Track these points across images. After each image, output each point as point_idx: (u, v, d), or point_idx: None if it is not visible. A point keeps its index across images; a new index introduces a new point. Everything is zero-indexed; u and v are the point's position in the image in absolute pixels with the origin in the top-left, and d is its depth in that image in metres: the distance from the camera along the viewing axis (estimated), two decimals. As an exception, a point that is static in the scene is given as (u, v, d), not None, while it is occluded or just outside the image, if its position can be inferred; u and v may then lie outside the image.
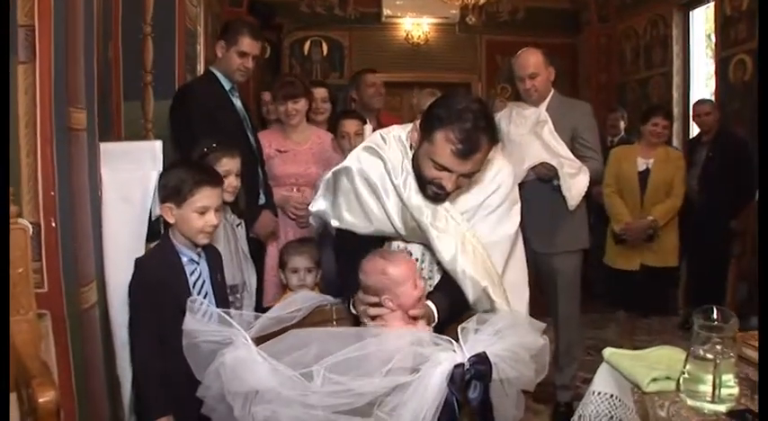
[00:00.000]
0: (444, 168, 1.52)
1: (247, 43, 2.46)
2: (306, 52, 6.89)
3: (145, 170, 1.79)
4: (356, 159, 1.69)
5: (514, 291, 1.74)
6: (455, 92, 1.72)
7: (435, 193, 1.57)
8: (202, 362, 1.31)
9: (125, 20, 2.75)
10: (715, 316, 1.18)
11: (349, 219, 1.67)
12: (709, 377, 1.18)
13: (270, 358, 1.16)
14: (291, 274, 2.23)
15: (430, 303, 1.54)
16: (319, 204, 1.79)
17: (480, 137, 1.48)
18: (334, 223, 1.72)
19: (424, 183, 1.59)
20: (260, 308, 2.54)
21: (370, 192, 1.64)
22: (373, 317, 1.50)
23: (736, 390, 1.19)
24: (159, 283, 1.72)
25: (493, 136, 1.53)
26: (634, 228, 3.26)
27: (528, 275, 2.33)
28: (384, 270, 1.49)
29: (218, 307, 1.83)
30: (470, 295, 1.56)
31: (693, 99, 5.05)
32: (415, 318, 1.47)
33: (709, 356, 1.17)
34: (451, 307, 1.55)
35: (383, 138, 1.71)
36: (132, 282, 1.73)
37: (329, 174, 1.77)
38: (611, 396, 1.43)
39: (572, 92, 6.66)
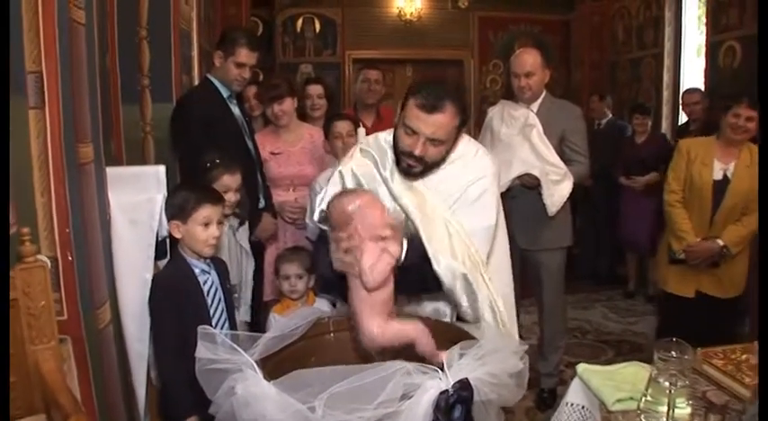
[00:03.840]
0: (413, 131, 1.65)
1: (245, 55, 2.52)
2: (298, 29, 6.86)
3: (150, 194, 1.90)
4: (350, 160, 1.85)
5: (498, 277, 1.85)
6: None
7: (409, 166, 1.71)
8: (214, 385, 1.45)
9: (120, 24, 2.78)
10: (673, 349, 1.32)
11: None
12: (665, 400, 1.32)
13: (277, 391, 1.29)
14: (284, 281, 2.36)
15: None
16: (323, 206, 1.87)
17: (445, 98, 1.62)
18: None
19: (399, 158, 1.74)
20: (259, 301, 2.70)
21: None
22: (348, 251, 1.55)
23: (687, 411, 1.34)
24: (178, 293, 1.89)
25: (459, 106, 1.65)
26: (697, 251, 2.65)
27: (514, 268, 2.48)
28: (344, 203, 1.59)
29: (227, 311, 2.05)
30: (445, 281, 1.65)
31: (684, 81, 5.12)
32: (384, 238, 1.53)
33: (666, 384, 1.31)
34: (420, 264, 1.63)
35: (371, 140, 1.88)
36: (152, 296, 1.88)
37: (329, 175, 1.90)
38: (583, 407, 1.59)
39: (564, 69, 6.71)
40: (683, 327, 2.60)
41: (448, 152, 1.75)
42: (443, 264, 1.65)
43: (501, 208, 1.88)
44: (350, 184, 1.82)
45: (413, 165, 1.71)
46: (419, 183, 1.77)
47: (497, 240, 1.86)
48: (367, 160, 1.84)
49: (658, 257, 2.96)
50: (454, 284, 1.68)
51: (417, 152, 1.67)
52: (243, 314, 2.46)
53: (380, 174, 1.79)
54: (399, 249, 1.57)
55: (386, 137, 1.86)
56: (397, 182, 1.76)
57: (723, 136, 2.67)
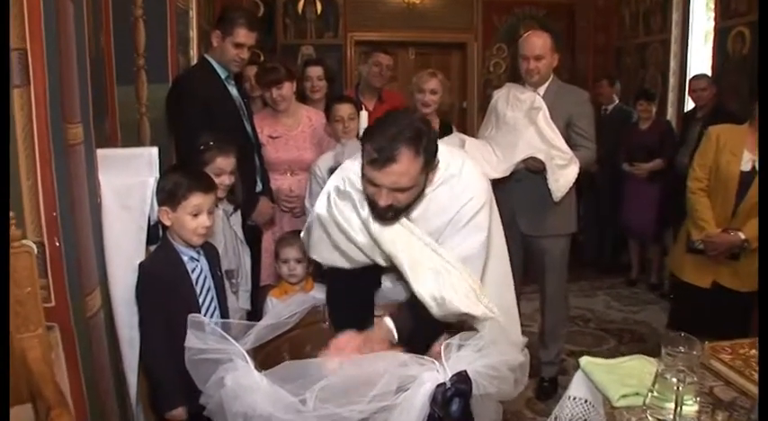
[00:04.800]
0: (374, 184, 1.53)
1: (243, 34, 2.44)
2: (300, 11, 6.73)
3: (142, 177, 1.84)
4: (326, 204, 1.71)
5: (499, 287, 1.78)
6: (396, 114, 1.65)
7: (379, 214, 1.57)
8: (204, 376, 1.41)
9: (115, 3, 2.70)
10: (681, 344, 1.27)
11: (329, 257, 1.75)
12: (673, 396, 1.28)
13: (268, 382, 1.25)
14: (282, 265, 2.32)
15: (388, 321, 1.57)
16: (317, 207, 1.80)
17: (398, 147, 1.46)
18: (316, 258, 1.80)
19: (369, 204, 1.60)
20: (256, 287, 2.66)
21: (339, 234, 1.68)
22: None
23: (695, 408, 1.29)
24: (165, 282, 1.84)
25: (418, 146, 1.49)
26: (717, 243, 2.55)
27: (516, 256, 2.42)
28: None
29: (218, 299, 1.99)
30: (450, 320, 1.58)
31: (691, 68, 5.02)
32: None
33: (673, 380, 1.26)
34: (420, 325, 1.57)
35: (347, 179, 1.71)
36: (139, 284, 1.83)
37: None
38: (585, 401, 1.55)
39: (568, 53, 6.59)
40: (695, 318, 2.57)
41: (423, 190, 1.61)
42: (435, 310, 1.54)
43: (496, 218, 1.78)
44: (331, 231, 1.71)
45: (383, 214, 1.58)
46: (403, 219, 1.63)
47: (493, 251, 1.75)
48: (345, 202, 1.69)
49: (675, 245, 2.84)
50: (440, 311, 1.57)
51: (382, 203, 1.55)
52: (243, 302, 2.42)
53: (359, 216, 1.66)
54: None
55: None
56: (377, 223, 1.63)
57: (754, 124, 2.49)
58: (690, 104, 4.55)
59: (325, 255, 1.76)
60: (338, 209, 1.67)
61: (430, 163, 1.55)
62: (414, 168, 1.50)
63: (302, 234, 1.87)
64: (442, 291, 1.51)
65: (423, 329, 1.57)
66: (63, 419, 1.08)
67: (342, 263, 1.73)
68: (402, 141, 1.47)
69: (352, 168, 1.69)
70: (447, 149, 1.68)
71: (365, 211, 1.62)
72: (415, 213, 1.65)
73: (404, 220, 1.62)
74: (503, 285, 1.84)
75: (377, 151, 1.47)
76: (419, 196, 1.61)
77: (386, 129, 1.50)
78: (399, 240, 1.58)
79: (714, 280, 2.60)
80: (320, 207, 1.72)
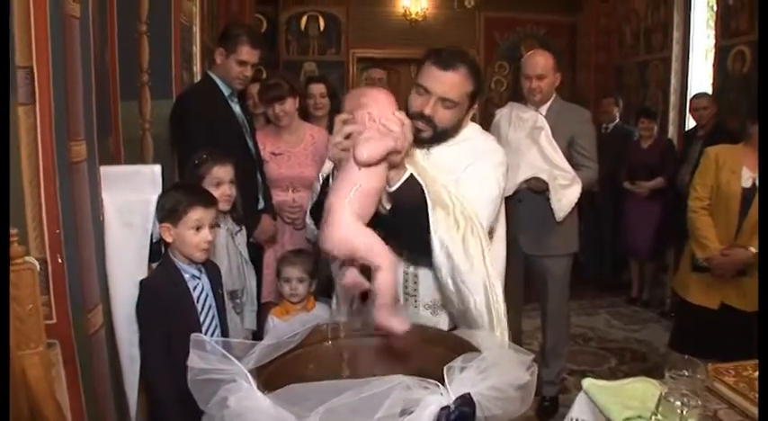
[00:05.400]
0: (426, 90, 1.62)
1: (246, 52, 2.47)
2: (302, 27, 6.81)
3: (145, 194, 1.85)
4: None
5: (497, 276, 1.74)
6: None
7: (418, 129, 1.61)
8: (206, 396, 1.39)
9: (120, 19, 2.73)
10: (685, 367, 1.26)
11: None
12: (677, 419, 1.27)
13: (271, 404, 1.24)
14: (284, 284, 2.31)
15: None
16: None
17: (459, 58, 1.63)
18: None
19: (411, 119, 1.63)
20: (258, 304, 2.65)
21: None
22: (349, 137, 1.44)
23: (701, 433, 1.28)
24: (166, 300, 1.83)
25: (473, 71, 1.65)
26: (727, 261, 2.52)
27: (516, 275, 2.41)
28: (360, 93, 1.55)
29: (219, 317, 1.99)
30: (435, 251, 1.56)
31: (692, 86, 5.06)
32: (392, 132, 1.44)
33: (677, 403, 1.25)
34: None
35: None
36: (139, 302, 1.82)
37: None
38: (588, 423, 1.53)
39: (570, 71, 6.65)
40: (699, 338, 2.57)
41: (457, 124, 1.70)
42: (437, 235, 1.54)
43: (504, 184, 1.78)
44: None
45: (422, 129, 1.64)
46: (419, 158, 1.68)
47: (499, 232, 1.80)
48: None
49: (680, 265, 2.86)
50: (443, 259, 1.56)
51: (427, 111, 1.62)
52: (249, 323, 2.40)
53: None
54: (404, 145, 1.47)
55: None
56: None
57: (750, 143, 2.56)
58: (691, 122, 4.58)
59: None
60: None
61: (475, 95, 1.70)
62: (465, 86, 1.64)
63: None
64: (449, 230, 1.55)
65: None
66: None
67: None
68: (464, 60, 1.65)
69: None
70: (475, 125, 1.83)
71: None
72: (431, 161, 1.69)
73: (421, 161, 1.67)
74: (498, 277, 1.81)
75: (443, 56, 1.63)
76: (451, 132, 1.69)
77: (454, 49, 1.68)
78: (416, 168, 1.59)
79: (722, 300, 2.57)
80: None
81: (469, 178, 1.68)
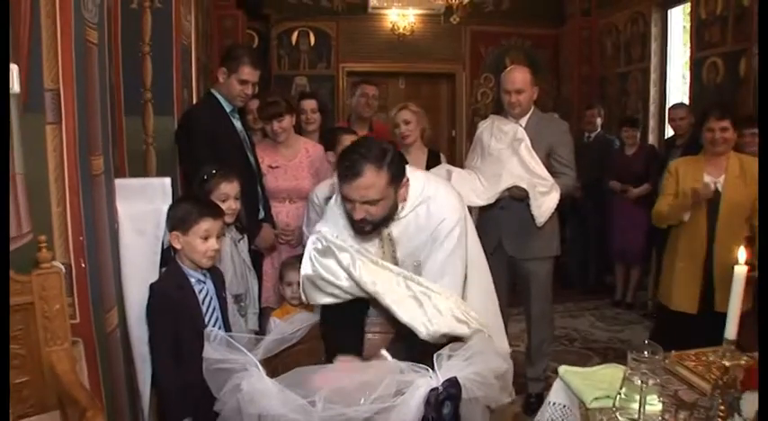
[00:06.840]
0: (348, 199, 1.73)
1: (248, 72, 2.62)
2: (293, 42, 6.98)
3: (156, 205, 2.00)
4: (310, 265, 1.87)
5: (483, 297, 1.97)
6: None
7: (357, 228, 1.79)
8: (220, 383, 1.55)
9: (125, 39, 2.90)
10: (646, 350, 1.42)
11: (324, 300, 1.91)
12: (638, 397, 1.43)
13: (279, 387, 1.40)
14: (286, 287, 2.45)
15: (385, 353, 1.71)
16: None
17: (362, 163, 1.67)
18: (316, 303, 1.95)
19: (349, 222, 1.82)
20: (259, 308, 2.79)
21: (327, 284, 1.85)
22: None
23: (659, 407, 1.44)
24: (173, 303, 1.97)
25: (381, 163, 1.69)
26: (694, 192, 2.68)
27: (503, 278, 2.56)
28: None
29: (224, 319, 2.13)
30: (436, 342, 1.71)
31: (670, 96, 5.28)
32: None
33: (638, 382, 1.42)
34: (414, 352, 1.70)
35: (324, 236, 1.87)
36: (149, 304, 1.96)
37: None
38: (564, 406, 1.69)
39: (554, 82, 6.87)
40: (679, 339, 2.55)
41: (393, 206, 1.79)
42: (425, 334, 1.70)
43: (472, 231, 1.94)
44: (321, 283, 1.87)
45: (361, 226, 1.78)
46: (386, 241, 1.83)
47: (473, 264, 1.92)
48: (326, 258, 1.85)
49: (663, 273, 3.01)
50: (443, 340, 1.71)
51: (358, 217, 1.74)
52: (252, 324, 2.54)
53: (341, 266, 1.81)
54: None
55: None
56: (359, 267, 1.79)
57: (707, 151, 2.79)
58: (670, 131, 4.78)
59: (320, 300, 1.90)
60: (322, 265, 1.84)
61: (396, 177, 1.75)
62: (379, 182, 1.70)
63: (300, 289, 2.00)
64: (428, 314, 1.69)
65: (417, 354, 1.69)
66: (98, 419, 1.22)
67: (335, 301, 1.88)
68: (366, 158, 1.68)
69: (321, 228, 1.90)
70: (424, 175, 1.92)
71: (345, 260, 1.80)
72: (397, 232, 1.84)
73: (379, 260, 1.81)
74: (486, 294, 2.02)
75: (345, 168, 1.69)
76: (393, 211, 1.79)
77: (354, 149, 1.73)
78: (379, 280, 1.76)
79: (703, 305, 2.71)
80: (305, 268, 1.87)
81: (433, 273, 1.81)
